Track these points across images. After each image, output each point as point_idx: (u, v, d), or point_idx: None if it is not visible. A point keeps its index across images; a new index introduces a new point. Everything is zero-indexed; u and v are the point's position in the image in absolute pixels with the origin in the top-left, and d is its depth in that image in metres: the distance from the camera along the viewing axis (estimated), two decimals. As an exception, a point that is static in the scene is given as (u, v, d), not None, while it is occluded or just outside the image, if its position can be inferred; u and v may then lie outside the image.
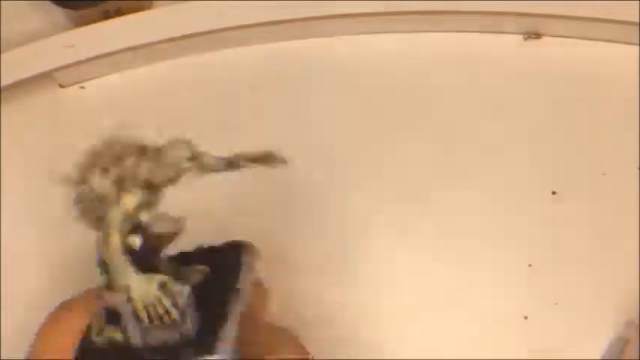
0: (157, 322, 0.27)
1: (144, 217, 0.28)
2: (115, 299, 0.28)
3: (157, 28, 0.42)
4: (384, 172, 0.40)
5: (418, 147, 0.41)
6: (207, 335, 0.27)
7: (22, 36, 0.43)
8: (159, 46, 0.42)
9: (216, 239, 0.30)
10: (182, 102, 0.43)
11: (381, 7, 0.42)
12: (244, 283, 0.29)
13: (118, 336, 0.28)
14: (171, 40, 0.42)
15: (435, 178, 0.40)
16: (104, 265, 0.28)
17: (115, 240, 0.27)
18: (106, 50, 0.42)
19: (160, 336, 0.28)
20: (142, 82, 0.43)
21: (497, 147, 0.40)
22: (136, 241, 0.28)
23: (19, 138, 0.43)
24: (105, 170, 0.28)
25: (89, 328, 0.29)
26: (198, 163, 0.29)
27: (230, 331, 0.28)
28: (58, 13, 0.43)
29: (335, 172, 0.40)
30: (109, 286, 0.28)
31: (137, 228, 0.28)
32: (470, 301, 0.37)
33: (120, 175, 0.28)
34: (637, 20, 0.40)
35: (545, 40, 0.43)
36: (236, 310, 0.28)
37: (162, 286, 0.28)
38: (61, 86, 0.44)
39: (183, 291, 0.28)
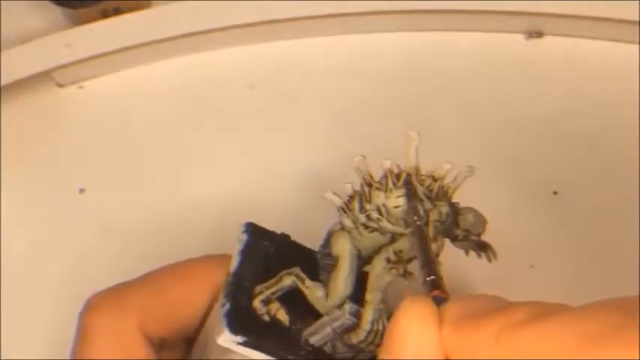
0: (364, 347, 0.27)
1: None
2: (320, 300, 0.28)
3: (155, 28, 0.42)
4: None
5: (418, 145, 0.40)
6: None
7: (20, 35, 0.43)
8: (158, 45, 0.42)
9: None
10: (181, 102, 0.43)
11: (379, 6, 0.42)
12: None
13: (284, 319, 0.28)
14: (170, 39, 0.42)
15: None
16: (335, 262, 0.28)
17: (400, 267, 0.27)
18: (105, 50, 0.42)
19: (337, 347, 0.28)
20: (140, 82, 0.43)
21: (497, 146, 0.40)
22: (412, 276, 0.27)
23: (17, 137, 0.43)
24: (420, 199, 0.27)
25: (242, 290, 0.28)
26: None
27: None
28: (57, 12, 0.43)
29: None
30: (326, 283, 0.28)
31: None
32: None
33: (429, 214, 0.27)
34: (637, 19, 0.40)
35: (546, 39, 0.43)
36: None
37: (389, 317, 0.27)
38: (60, 86, 0.44)
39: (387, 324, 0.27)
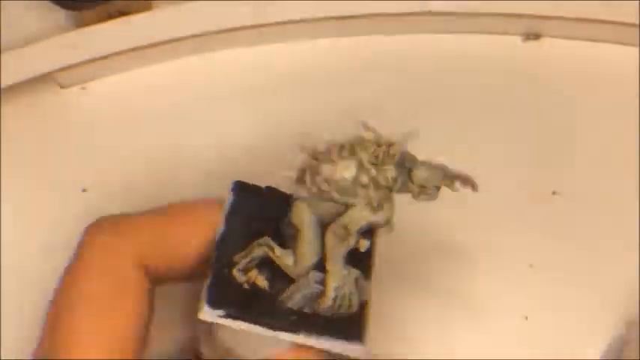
0: (335, 310, 0.28)
1: (362, 248, 0.28)
2: (290, 265, 0.29)
3: (158, 29, 0.42)
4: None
5: (417, 146, 0.41)
6: (354, 322, 0.29)
7: (23, 37, 0.43)
8: (161, 47, 0.42)
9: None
10: (184, 103, 0.43)
11: (378, 8, 0.42)
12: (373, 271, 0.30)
13: (264, 285, 0.29)
14: (173, 41, 0.42)
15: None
16: (297, 232, 0.29)
17: (351, 240, 0.28)
18: (108, 51, 0.42)
19: (317, 310, 0.29)
20: (143, 84, 0.43)
21: (497, 147, 0.41)
22: (366, 245, 0.29)
23: (19, 139, 0.43)
24: (365, 169, 0.28)
25: (222, 260, 0.29)
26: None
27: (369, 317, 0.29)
28: (59, 13, 0.43)
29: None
30: (291, 246, 0.29)
31: (366, 233, 0.28)
32: (470, 301, 0.37)
33: (377, 181, 0.28)
34: (637, 22, 0.40)
35: (544, 41, 0.43)
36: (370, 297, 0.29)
37: (356, 282, 0.29)
38: (62, 87, 0.44)
39: (368, 287, 0.29)
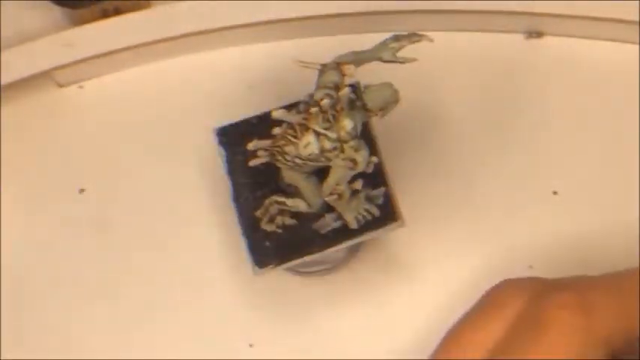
0: (364, 223, 0.32)
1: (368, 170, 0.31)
2: (305, 208, 0.31)
3: (155, 27, 0.42)
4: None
5: (416, 152, 0.41)
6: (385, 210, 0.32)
7: (20, 35, 0.43)
8: (158, 45, 0.42)
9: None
10: (181, 102, 0.43)
11: (378, 6, 0.42)
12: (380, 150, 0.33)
13: (291, 222, 0.32)
14: (170, 39, 0.42)
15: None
16: (296, 189, 0.31)
17: (346, 192, 0.30)
18: (105, 49, 0.42)
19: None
20: (140, 82, 0.43)
21: (496, 146, 0.40)
22: (360, 184, 0.31)
23: (17, 137, 0.43)
24: (324, 136, 0.29)
25: (248, 223, 0.32)
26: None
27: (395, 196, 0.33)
28: (57, 12, 0.43)
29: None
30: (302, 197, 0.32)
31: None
32: (469, 301, 0.37)
33: (341, 139, 0.29)
34: (637, 19, 0.40)
35: (546, 39, 0.43)
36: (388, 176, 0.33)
37: (366, 198, 0.32)
38: (60, 85, 0.44)
39: (380, 194, 0.32)
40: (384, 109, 0.30)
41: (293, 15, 0.42)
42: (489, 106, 0.41)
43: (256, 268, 0.31)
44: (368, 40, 0.44)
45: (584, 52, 0.42)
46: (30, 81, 0.42)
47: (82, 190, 0.41)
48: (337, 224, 0.32)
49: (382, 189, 0.32)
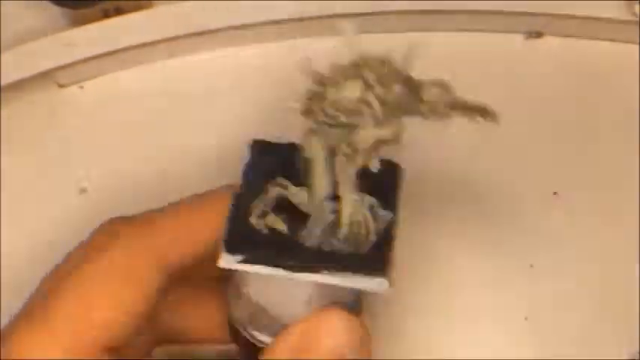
0: (353, 238, 0.28)
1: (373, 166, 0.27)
2: (305, 200, 0.28)
3: (156, 28, 0.42)
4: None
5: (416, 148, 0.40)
6: (377, 256, 0.27)
7: (21, 35, 0.43)
8: (159, 45, 0.42)
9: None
10: (182, 102, 0.43)
11: (379, 6, 0.42)
12: (399, 207, 0.29)
13: (281, 228, 0.28)
14: (172, 39, 0.42)
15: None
16: (309, 165, 0.28)
17: (359, 159, 0.27)
18: (106, 50, 0.42)
19: (335, 246, 0.28)
20: (141, 82, 0.43)
21: (497, 146, 0.40)
22: (377, 164, 0.27)
23: (17, 138, 0.43)
24: (370, 86, 0.26)
25: (239, 209, 0.28)
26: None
27: (394, 255, 0.28)
28: (57, 12, 0.43)
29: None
30: (305, 183, 0.28)
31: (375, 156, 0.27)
32: (470, 301, 0.37)
33: (383, 98, 0.26)
34: (637, 19, 0.40)
35: (546, 39, 0.43)
36: (396, 234, 0.28)
37: (372, 209, 0.28)
38: (60, 86, 0.44)
39: (385, 218, 0.28)
40: (434, 106, 0.27)
41: (293, 15, 0.42)
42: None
43: (225, 253, 0.27)
44: (368, 40, 0.44)
45: (584, 53, 0.42)
46: (30, 81, 0.42)
47: (82, 190, 0.41)
48: (323, 231, 0.28)
49: (391, 214, 0.28)
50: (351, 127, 0.27)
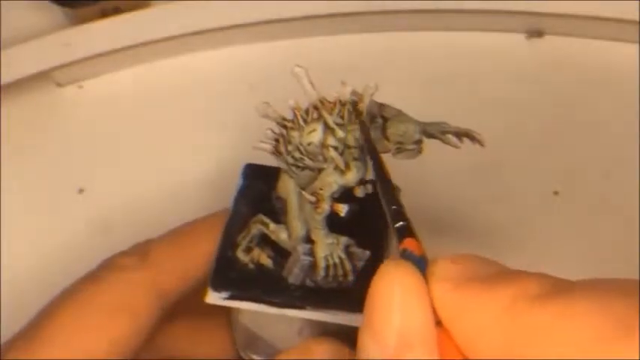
0: (331, 279, 0.28)
1: (358, 192, 0.27)
2: (285, 238, 0.28)
3: (155, 27, 0.42)
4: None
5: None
6: (358, 291, 0.26)
7: (20, 34, 0.43)
8: (157, 44, 0.42)
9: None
10: (181, 101, 0.43)
11: (379, 5, 0.42)
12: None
13: (267, 263, 0.29)
14: (170, 39, 0.42)
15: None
16: (284, 204, 0.28)
17: (324, 205, 0.27)
18: (104, 49, 0.42)
19: (318, 282, 0.28)
20: (140, 82, 0.43)
21: (497, 146, 0.40)
22: (344, 209, 0.27)
23: (16, 137, 0.43)
24: (332, 130, 0.27)
25: (227, 241, 0.29)
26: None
27: None
28: (56, 11, 0.43)
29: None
30: (284, 222, 0.28)
31: (347, 197, 0.27)
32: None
33: (346, 142, 0.27)
34: (637, 19, 0.40)
35: (547, 38, 0.43)
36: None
37: (347, 248, 0.28)
38: (59, 85, 0.44)
39: (363, 256, 0.28)
40: (401, 144, 0.27)
41: (293, 15, 0.42)
42: (489, 105, 0.41)
43: (211, 290, 0.28)
44: (368, 40, 0.44)
45: (585, 52, 0.42)
46: (29, 81, 0.42)
47: (81, 190, 0.41)
48: (302, 270, 0.28)
49: (367, 252, 0.28)
50: (319, 170, 0.27)
